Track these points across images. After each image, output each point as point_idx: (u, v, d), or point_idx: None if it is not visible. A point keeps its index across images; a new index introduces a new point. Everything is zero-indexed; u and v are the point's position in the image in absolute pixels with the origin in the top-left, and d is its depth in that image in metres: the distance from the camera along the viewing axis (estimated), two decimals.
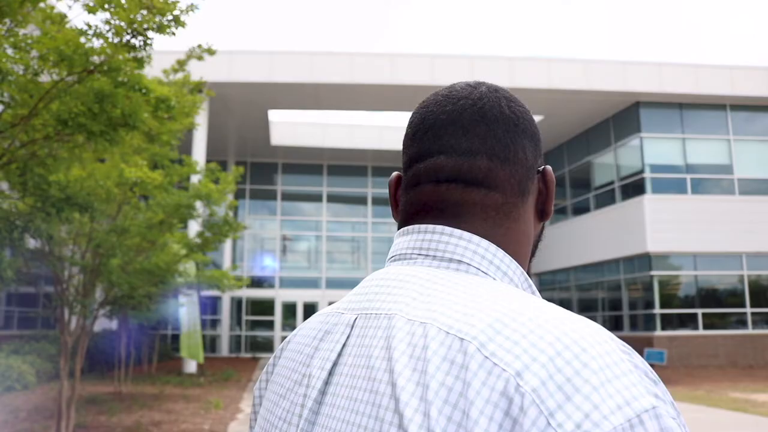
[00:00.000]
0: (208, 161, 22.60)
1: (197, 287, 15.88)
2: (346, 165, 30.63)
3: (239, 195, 29.92)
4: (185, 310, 17.57)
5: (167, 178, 9.91)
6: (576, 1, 76.88)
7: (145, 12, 4.22)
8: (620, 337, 19.87)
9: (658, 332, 20.95)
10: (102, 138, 4.38)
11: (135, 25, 4.16)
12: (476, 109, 0.79)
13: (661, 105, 22.57)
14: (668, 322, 21.25)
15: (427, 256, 0.74)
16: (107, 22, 4.30)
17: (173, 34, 4.62)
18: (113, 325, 18.91)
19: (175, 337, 25.24)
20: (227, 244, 28.83)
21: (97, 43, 4.43)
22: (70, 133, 4.33)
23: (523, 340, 0.58)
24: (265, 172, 30.17)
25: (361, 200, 30.75)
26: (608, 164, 24.26)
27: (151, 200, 10.04)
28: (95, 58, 4.72)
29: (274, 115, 27.00)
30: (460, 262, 0.73)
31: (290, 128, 28.54)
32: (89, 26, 4.31)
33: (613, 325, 23.47)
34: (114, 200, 6.91)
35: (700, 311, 21.41)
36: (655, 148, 22.43)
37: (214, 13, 78.44)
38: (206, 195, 9.04)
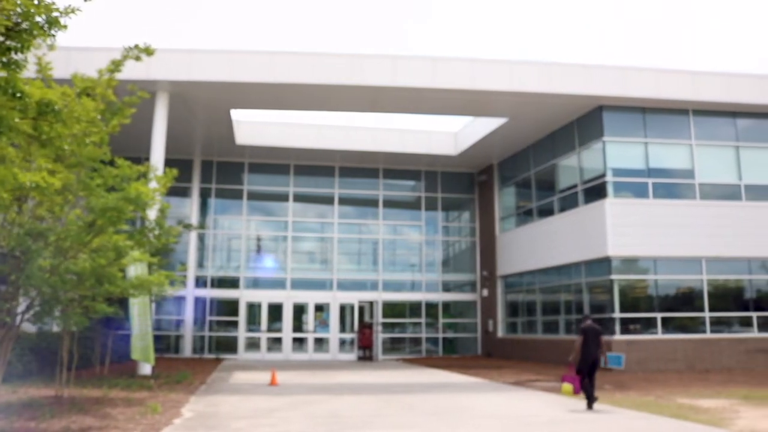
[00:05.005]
0: (171, 160, 22.32)
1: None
2: (313, 165, 30.46)
3: (205, 194, 29.69)
4: (137, 311, 17.31)
5: (99, 180, 9.71)
6: (540, 4, 77.16)
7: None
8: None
9: (618, 336, 21.00)
10: None
11: None
12: None
13: (624, 109, 22.64)
14: (628, 326, 21.32)
15: None
16: None
17: (52, 36, 4.46)
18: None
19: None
20: (191, 245, 28.60)
21: None
22: None
23: None
24: (232, 172, 29.94)
25: (327, 200, 30.60)
26: (572, 167, 24.31)
27: (83, 202, 9.85)
28: None
29: (239, 115, 26.78)
30: None
31: (256, 128, 28.33)
32: None
33: (576, 328, 23.49)
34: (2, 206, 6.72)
35: (659, 315, 21.50)
36: (618, 151, 22.50)
37: (179, 12, 77.83)
38: (135, 198, 8.83)
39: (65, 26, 4.48)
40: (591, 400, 12.01)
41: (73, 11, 4.53)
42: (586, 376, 12.19)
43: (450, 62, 21.31)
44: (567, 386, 12.38)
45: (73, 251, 9.69)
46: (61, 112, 4.74)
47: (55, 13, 4.36)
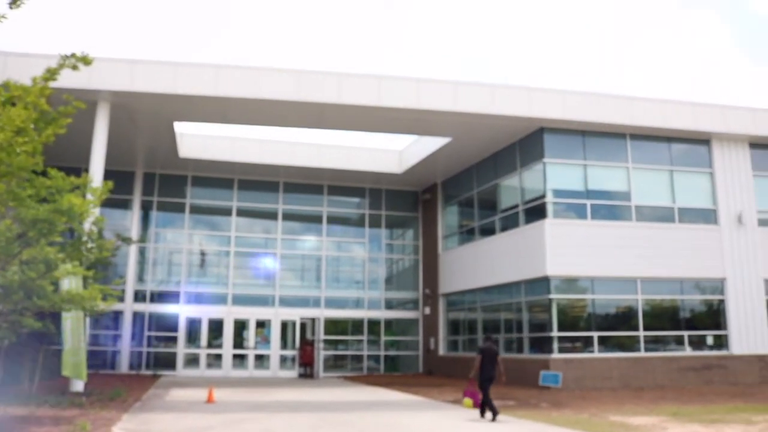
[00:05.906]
0: (112, 172, 21.87)
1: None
2: (257, 180, 30.25)
3: (146, 207, 29.17)
4: (69, 326, 16.84)
5: (31, 190, 9.47)
6: (484, 25, 78.77)
7: None
8: (519, 360, 20.23)
9: (555, 355, 21.33)
10: None
11: None
12: None
13: (564, 131, 23.13)
14: (565, 344, 21.68)
15: None
16: None
17: None
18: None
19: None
20: (131, 258, 28.02)
21: None
22: None
23: None
24: (174, 185, 29.48)
25: (271, 216, 30.41)
26: (514, 188, 24.71)
27: (13, 213, 9.58)
28: None
29: (183, 128, 26.44)
30: None
31: (201, 141, 28.01)
32: None
33: (516, 347, 23.76)
34: None
35: (596, 334, 21.93)
36: (558, 173, 22.95)
37: (127, 20, 76.68)
38: (68, 210, 8.64)
39: None
40: (494, 412, 13.07)
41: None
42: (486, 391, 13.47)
43: (395, 81, 21.49)
44: (468, 400, 14.13)
45: (1, 263, 9.41)
46: None
47: None
